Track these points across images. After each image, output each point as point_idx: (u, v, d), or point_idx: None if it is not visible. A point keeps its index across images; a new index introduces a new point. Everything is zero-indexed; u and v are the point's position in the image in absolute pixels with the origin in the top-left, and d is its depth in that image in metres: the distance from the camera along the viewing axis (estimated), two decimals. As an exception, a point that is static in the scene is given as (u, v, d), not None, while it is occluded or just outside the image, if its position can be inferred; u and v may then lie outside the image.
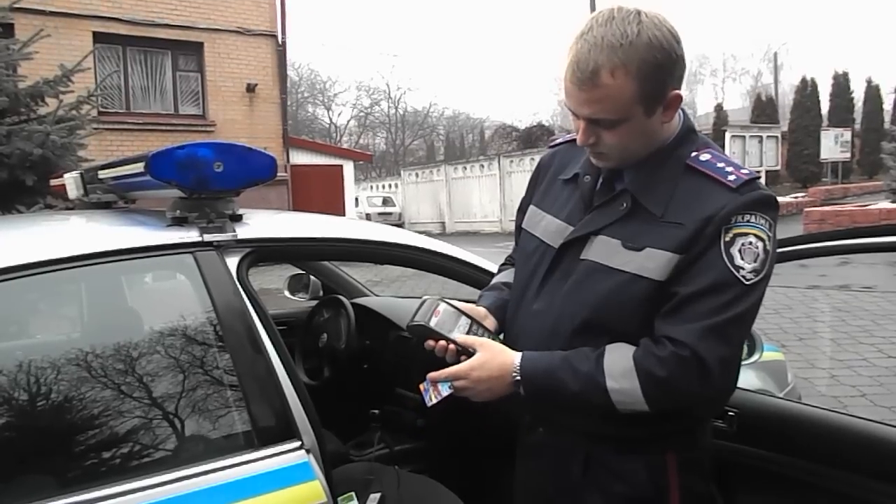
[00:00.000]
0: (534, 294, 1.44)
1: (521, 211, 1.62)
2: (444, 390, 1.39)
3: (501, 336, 1.50)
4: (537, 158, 1.67)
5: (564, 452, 1.42)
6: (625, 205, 1.34)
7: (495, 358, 1.36)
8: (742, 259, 1.24)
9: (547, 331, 1.38)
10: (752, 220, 1.26)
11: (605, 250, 1.34)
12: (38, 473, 1.39)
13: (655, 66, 1.22)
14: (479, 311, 1.52)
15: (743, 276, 1.24)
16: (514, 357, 1.35)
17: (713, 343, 1.22)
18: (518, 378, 1.34)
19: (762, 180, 1.32)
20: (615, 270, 1.31)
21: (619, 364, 1.27)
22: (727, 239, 1.24)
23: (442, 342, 1.40)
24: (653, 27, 1.22)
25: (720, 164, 1.32)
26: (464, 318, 1.43)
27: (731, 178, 1.28)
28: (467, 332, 1.41)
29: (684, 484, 1.38)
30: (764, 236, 1.26)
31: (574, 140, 1.53)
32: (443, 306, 1.42)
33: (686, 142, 1.36)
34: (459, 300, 1.50)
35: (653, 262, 1.28)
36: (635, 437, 1.34)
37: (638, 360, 1.26)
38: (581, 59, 1.22)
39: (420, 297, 1.46)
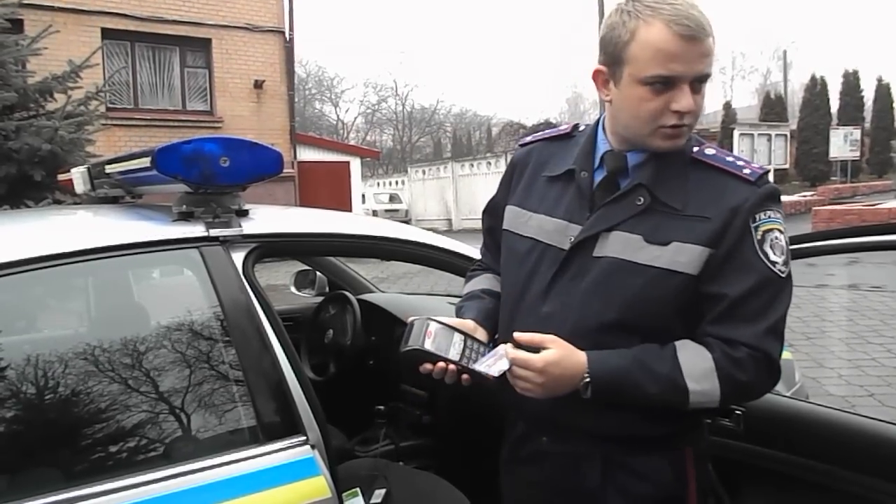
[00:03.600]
0: (538, 297, 1.39)
1: (491, 213, 1.58)
2: (504, 365, 1.29)
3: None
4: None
5: (577, 459, 1.38)
6: (642, 199, 1.32)
7: (569, 357, 1.28)
8: (774, 254, 1.28)
9: (565, 333, 1.32)
10: (773, 214, 1.30)
11: (625, 246, 1.31)
12: (47, 467, 1.39)
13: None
14: (468, 324, 1.44)
15: (779, 271, 1.28)
16: (583, 356, 1.29)
17: (774, 341, 1.27)
18: (588, 379, 1.27)
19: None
20: (644, 266, 1.29)
21: (697, 365, 1.27)
22: (759, 237, 1.27)
23: (440, 364, 1.32)
24: None
25: (729, 159, 1.34)
26: (457, 334, 1.35)
27: (747, 171, 1.30)
28: (462, 350, 1.34)
29: (699, 477, 1.39)
30: (782, 228, 1.31)
31: (549, 138, 1.51)
32: (434, 326, 1.33)
33: None
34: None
35: (684, 257, 1.28)
36: (660, 435, 1.34)
37: (718, 363, 1.26)
38: (688, 16, 1.22)
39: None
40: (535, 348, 1.29)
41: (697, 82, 1.27)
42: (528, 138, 1.57)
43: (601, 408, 1.31)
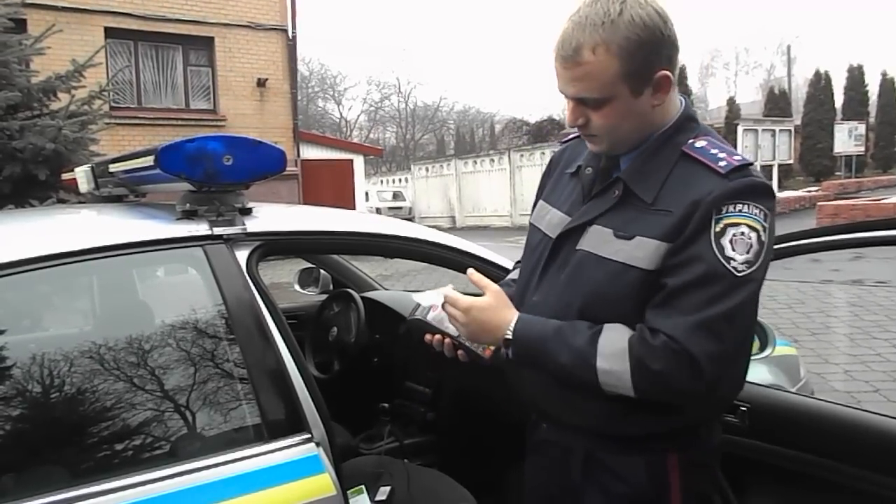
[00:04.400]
0: (534, 286, 1.44)
1: (533, 209, 1.61)
2: (437, 300, 1.40)
3: None
4: (548, 153, 1.69)
5: (566, 450, 1.41)
6: (616, 192, 1.33)
7: (498, 310, 1.36)
8: (733, 250, 1.20)
9: None
10: (745, 209, 1.21)
11: (597, 240, 1.33)
12: (52, 465, 1.40)
13: (638, 44, 1.21)
14: None
15: (734, 268, 1.19)
16: (514, 316, 1.35)
17: (702, 338, 1.18)
18: (509, 338, 1.33)
19: (756, 167, 1.30)
20: (606, 260, 1.30)
21: (612, 345, 1.25)
22: (717, 229, 1.20)
23: (438, 335, 1.40)
24: (636, 6, 1.22)
25: (713, 151, 1.29)
26: None
27: (722, 163, 1.25)
28: None
29: (686, 485, 1.35)
30: (758, 226, 1.22)
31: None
32: (441, 301, 1.42)
33: (684, 129, 1.33)
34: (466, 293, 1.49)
35: (642, 252, 1.26)
36: (636, 435, 1.33)
37: (632, 345, 1.23)
38: (565, 39, 1.24)
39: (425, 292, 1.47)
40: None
41: (582, 102, 1.29)
42: (570, 136, 1.60)
43: (583, 399, 1.32)
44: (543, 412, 1.47)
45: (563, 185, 1.50)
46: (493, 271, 2.01)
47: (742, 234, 1.20)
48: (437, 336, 1.40)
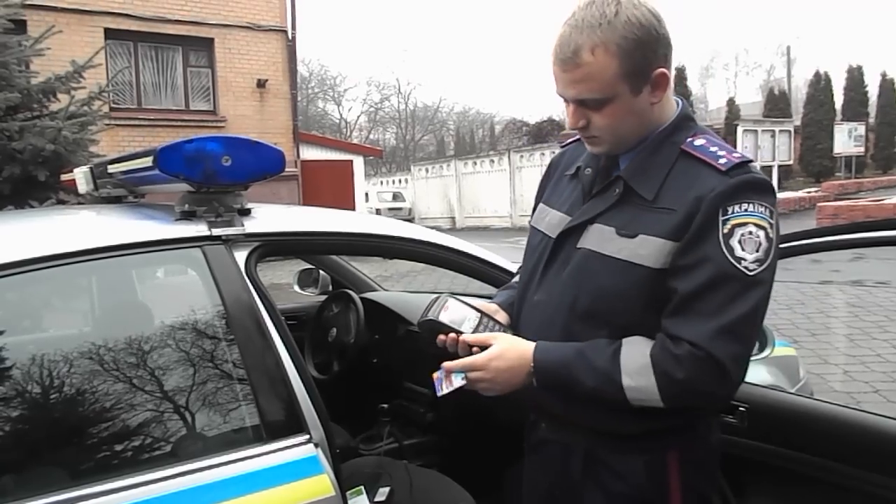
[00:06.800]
0: (535, 286, 1.45)
1: (534, 212, 1.63)
2: (457, 381, 1.38)
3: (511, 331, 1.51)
4: (547, 153, 1.69)
5: (565, 449, 1.42)
6: (617, 191, 1.34)
7: (513, 348, 1.35)
8: (743, 250, 1.20)
9: (546, 321, 1.38)
10: (750, 207, 1.22)
11: (600, 238, 1.33)
12: (51, 466, 1.40)
13: (635, 42, 1.23)
14: (491, 306, 1.52)
15: (745, 268, 1.20)
16: (530, 347, 1.35)
17: (726, 342, 1.19)
18: (531, 369, 1.33)
19: (756, 165, 1.30)
20: (609, 258, 1.31)
21: (635, 360, 1.25)
22: (725, 230, 1.21)
23: (452, 335, 1.40)
24: (631, 7, 1.24)
25: (713, 149, 1.30)
26: (473, 311, 1.44)
27: (722, 161, 1.26)
28: (477, 325, 1.42)
29: (687, 484, 1.35)
30: (765, 224, 1.22)
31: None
32: (452, 301, 1.43)
33: (682, 128, 1.35)
34: (471, 296, 1.51)
35: (646, 250, 1.27)
36: (635, 433, 1.33)
37: (655, 358, 1.24)
38: (563, 42, 1.26)
39: (429, 293, 1.48)
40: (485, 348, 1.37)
41: (583, 104, 1.30)
42: (569, 139, 1.62)
43: (581, 400, 1.33)
44: (542, 410, 1.48)
45: (563, 187, 1.52)
46: (493, 272, 2.01)
47: (750, 233, 1.21)
48: (452, 335, 1.40)
